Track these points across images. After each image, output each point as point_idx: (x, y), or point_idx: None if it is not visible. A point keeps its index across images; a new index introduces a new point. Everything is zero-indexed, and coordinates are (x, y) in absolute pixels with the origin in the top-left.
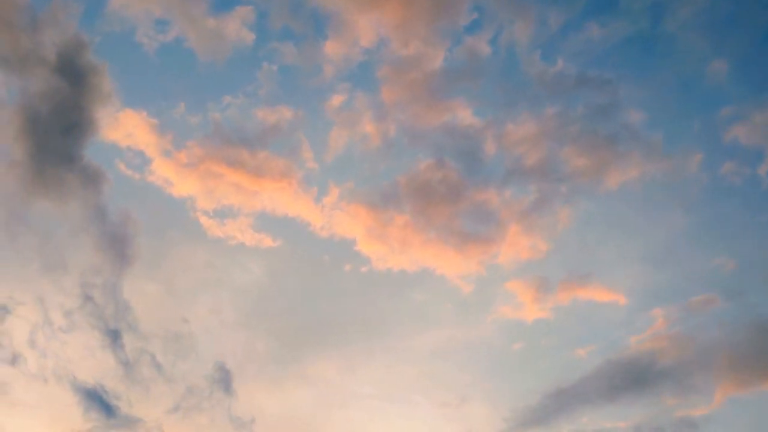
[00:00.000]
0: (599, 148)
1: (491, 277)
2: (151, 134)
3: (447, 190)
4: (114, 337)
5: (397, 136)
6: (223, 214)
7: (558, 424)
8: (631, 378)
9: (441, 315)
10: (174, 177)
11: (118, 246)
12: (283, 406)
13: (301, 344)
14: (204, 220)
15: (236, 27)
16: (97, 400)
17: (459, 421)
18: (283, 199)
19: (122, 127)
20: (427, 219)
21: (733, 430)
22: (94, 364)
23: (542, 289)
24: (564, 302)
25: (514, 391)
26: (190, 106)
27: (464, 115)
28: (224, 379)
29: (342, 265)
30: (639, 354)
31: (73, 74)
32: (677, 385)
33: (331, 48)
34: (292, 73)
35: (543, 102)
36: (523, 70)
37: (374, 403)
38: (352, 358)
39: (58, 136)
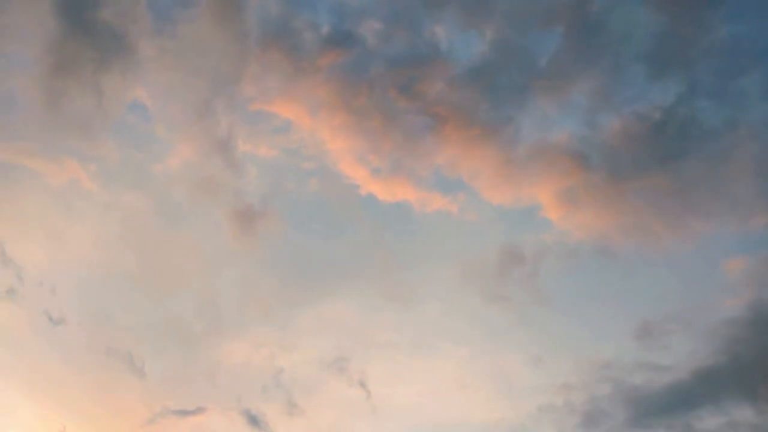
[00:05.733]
0: None
1: (708, 249)
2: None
3: (680, 136)
4: None
5: (640, 66)
6: (388, 169)
7: (699, 414)
8: None
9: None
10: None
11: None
12: None
13: None
14: (360, 173)
15: None
16: None
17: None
18: (466, 150)
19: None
20: (639, 178)
21: None
22: None
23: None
24: None
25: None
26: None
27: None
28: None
29: (522, 234)
30: None
31: None
32: None
33: None
34: None
35: None
36: None
37: None
38: None
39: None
